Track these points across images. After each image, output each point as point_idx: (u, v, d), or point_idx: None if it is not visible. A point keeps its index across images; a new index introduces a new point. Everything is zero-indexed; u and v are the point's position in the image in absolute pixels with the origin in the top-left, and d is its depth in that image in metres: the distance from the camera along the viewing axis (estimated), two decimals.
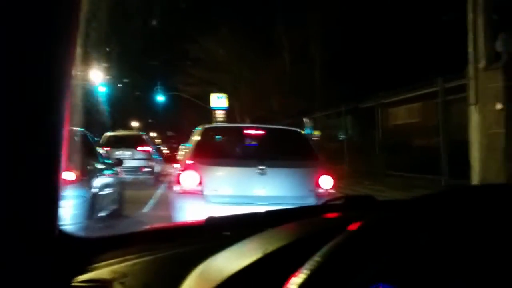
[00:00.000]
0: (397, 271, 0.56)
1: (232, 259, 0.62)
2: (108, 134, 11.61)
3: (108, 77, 18.91)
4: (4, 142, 0.47)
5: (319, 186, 4.03)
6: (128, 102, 31.06)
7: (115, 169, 5.77)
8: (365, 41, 17.28)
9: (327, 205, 1.19)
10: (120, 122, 32.62)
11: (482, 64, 6.13)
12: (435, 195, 0.49)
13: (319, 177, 4.05)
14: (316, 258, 0.40)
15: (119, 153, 10.46)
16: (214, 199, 3.80)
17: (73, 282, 0.61)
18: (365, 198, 1.11)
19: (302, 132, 5.41)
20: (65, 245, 0.64)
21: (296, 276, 0.39)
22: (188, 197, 3.89)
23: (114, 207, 5.37)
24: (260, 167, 3.96)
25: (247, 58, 19.89)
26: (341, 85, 17.76)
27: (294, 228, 0.82)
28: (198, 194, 3.87)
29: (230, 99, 22.14)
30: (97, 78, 15.75)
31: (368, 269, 0.41)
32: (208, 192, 3.81)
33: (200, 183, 3.86)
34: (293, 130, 5.25)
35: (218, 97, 24.05)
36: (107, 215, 4.95)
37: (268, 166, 3.93)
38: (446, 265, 0.60)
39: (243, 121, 22.15)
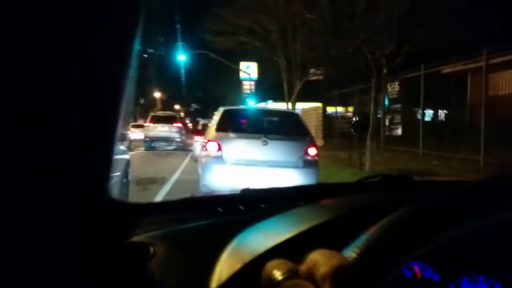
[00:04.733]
0: (435, 252, 0.58)
1: (268, 235, 0.67)
2: (152, 114, 19.04)
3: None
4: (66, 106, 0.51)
5: (307, 154, 5.78)
6: (148, 71, 26.33)
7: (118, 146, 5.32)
8: None
9: (363, 183, 1.21)
10: (142, 93, 32.29)
11: None
12: (502, 179, 0.47)
13: (307, 148, 5.83)
14: (366, 237, 0.43)
15: (160, 128, 16.74)
16: (229, 161, 5.70)
17: (116, 246, 0.66)
18: (402, 177, 1.15)
19: (298, 113, 8.74)
20: (112, 209, 0.67)
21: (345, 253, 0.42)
22: (211, 160, 5.72)
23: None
24: (264, 139, 5.69)
25: None
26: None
27: (331, 205, 0.84)
28: (219, 157, 5.67)
29: (274, 56, 17.98)
30: None
31: (415, 251, 0.43)
32: (225, 156, 5.72)
33: (220, 150, 5.70)
34: (291, 112, 9.18)
35: (247, 67, 21.48)
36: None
37: (270, 138, 5.74)
38: (488, 255, 0.63)
39: (292, 88, 17.66)
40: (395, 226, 0.43)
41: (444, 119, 12.49)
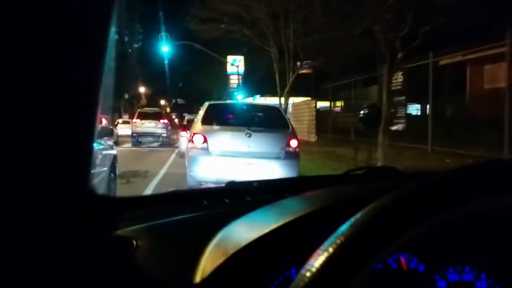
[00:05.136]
0: (421, 243, 0.59)
1: (252, 227, 0.68)
2: (139, 110, 20.20)
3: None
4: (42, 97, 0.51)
5: (288, 146, 6.10)
6: (132, 66, 25.51)
7: (103, 142, 4.72)
8: None
9: (348, 175, 1.22)
10: (126, 87, 31.68)
11: None
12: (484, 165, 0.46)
13: (289, 140, 6.16)
14: (350, 224, 0.43)
15: (147, 124, 17.46)
16: (215, 153, 5.95)
17: (99, 240, 0.67)
18: (387, 169, 1.17)
19: (279, 107, 9.23)
20: (94, 203, 0.68)
21: (323, 248, 0.41)
22: (198, 151, 5.97)
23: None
24: (248, 132, 5.97)
25: None
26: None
27: (316, 197, 0.85)
28: (204, 149, 5.90)
29: (265, 44, 16.56)
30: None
31: (399, 237, 0.42)
32: (211, 148, 5.98)
33: (206, 142, 5.93)
34: (273, 106, 8.42)
35: (234, 60, 21.05)
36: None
37: (253, 131, 6.02)
38: (475, 245, 0.63)
39: (284, 81, 16.34)
40: (379, 212, 0.43)
41: (455, 113, 10.98)
